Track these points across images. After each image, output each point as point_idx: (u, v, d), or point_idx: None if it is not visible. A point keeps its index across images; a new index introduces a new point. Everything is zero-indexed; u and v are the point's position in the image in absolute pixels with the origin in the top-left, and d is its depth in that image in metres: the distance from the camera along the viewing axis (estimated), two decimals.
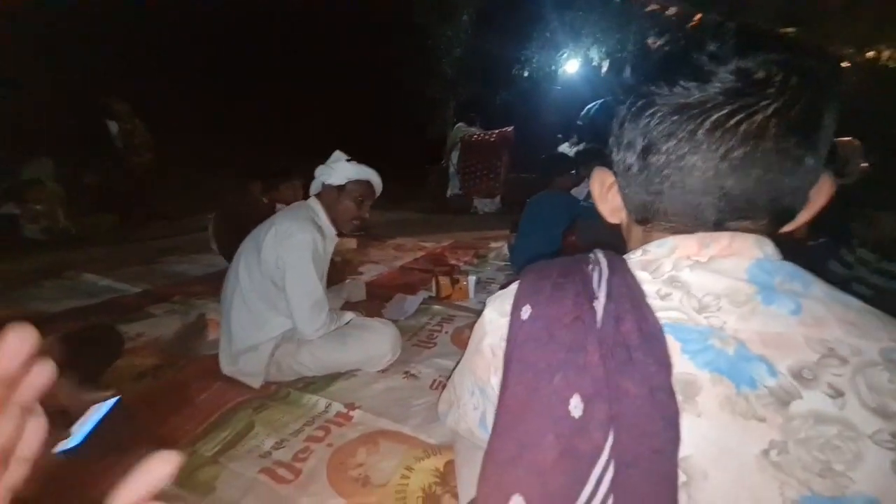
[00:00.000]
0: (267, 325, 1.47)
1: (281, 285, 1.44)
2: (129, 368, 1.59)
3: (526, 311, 0.39)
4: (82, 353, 1.30)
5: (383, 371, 1.59)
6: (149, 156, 4.72)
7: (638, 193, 0.40)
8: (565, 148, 7.60)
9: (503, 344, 0.41)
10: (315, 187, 1.56)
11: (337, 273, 2.47)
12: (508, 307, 0.41)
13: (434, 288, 2.46)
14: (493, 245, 4.07)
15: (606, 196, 0.44)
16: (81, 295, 2.45)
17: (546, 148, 6.67)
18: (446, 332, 1.95)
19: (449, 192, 8.51)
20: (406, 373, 1.58)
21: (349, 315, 1.62)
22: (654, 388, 0.32)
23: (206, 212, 3.67)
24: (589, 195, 2.72)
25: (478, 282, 2.74)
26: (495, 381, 0.43)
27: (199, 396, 1.43)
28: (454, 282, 2.42)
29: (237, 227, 1.75)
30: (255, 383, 1.48)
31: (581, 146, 7.39)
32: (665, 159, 0.37)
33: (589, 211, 2.41)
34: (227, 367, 1.50)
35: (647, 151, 0.38)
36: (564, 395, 0.33)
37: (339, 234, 1.59)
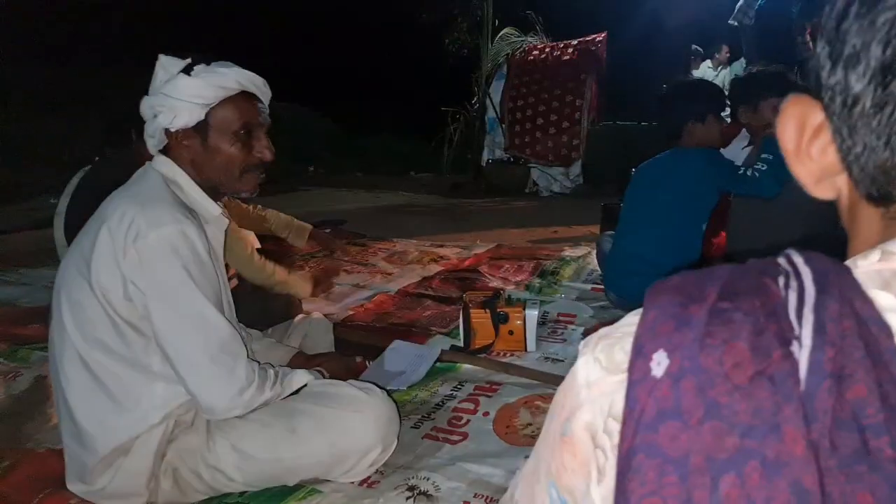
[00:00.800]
0: (140, 405, 1.45)
1: (146, 330, 1.44)
2: None
3: (660, 362, 0.39)
4: None
5: (368, 483, 1.62)
6: None
7: (872, 148, 0.40)
8: (706, 71, 7.59)
9: (616, 424, 0.41)
10: (154, 140, 1.52)
11: (279, 303, 2.52)
12: (624, 355, 0.42)
13: (462, 330, 2.48)
14: (570, 252, 4.11)
15: (810, 148, 0.44)
16: None
17: (669, 72, 6.66)
18: (485, 414, 1.97)
19: (486, 157, 8.59)
20: (412, 489, 1.60)
21: (303, 377, 1.63)
22: None
23: (54, 192, 3.81)
24: (752, 157, 2.70)
25: (542, 320, 2.73)
26: (601, 493, 0.43)
27: None
28: (499, 319, 2.43)
29: None
30: None
31: (739, 67, 7.32)
32: None
33: (755, 184, 2.38)
34: (76, 485, 1.52)
35: (889, 72, 0.38)
36: None
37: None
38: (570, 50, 7.77)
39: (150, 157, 2.88)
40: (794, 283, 0.40)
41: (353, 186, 8.34)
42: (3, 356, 2.41)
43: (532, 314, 2.45)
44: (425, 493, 1.58)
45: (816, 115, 0.44)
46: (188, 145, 1.50)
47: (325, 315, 2.55)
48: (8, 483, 1.65)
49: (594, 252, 3.57)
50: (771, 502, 0.33)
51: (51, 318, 1.52)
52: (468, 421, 1.93)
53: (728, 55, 7.53)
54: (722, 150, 2.83)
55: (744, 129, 3.06)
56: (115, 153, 3.00)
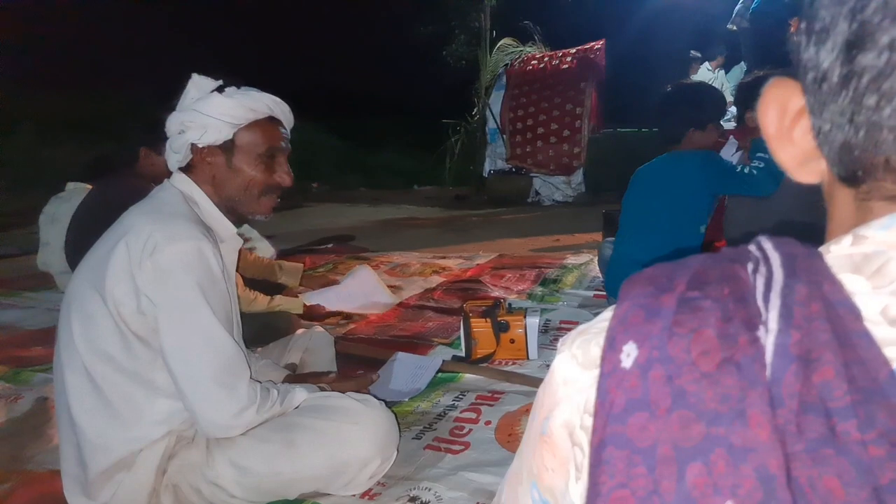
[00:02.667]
0: (142, 420, 1.46)
1: (155, 344, 1.45)
2: None
3: (630, 353, 0.39)
4: None
5: (369, 495, 1.62)
6: None
7: (837, 125, 0.41)
8: (705, 73, 7.60)
9: (591, 419, 0.41)
10: (178, 156, 1.56)
11: (279, 319, 2.52)
12: (598, 350, 0.42)
13: (462, 340, 2.48)
14: (572, 260, 4.11)
15: (791, 131, 0.45)
16: None
17: (667, 78, 6.67)
18: (487, 423, 1.97)
19: (488, 168, 8.62)
20: (413, 500, 1.60)
21: (300, 393, 1.63)
22: (882, 490, 0.31)
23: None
24: (742, 161, 2.71)
25: (545, 328, 2.73)
26: (579, 490, 0.43)
27: None
28: (500, 328, 2.43)
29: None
30: None
31: (739, 71, 7.30)
32: (888, 61, 0.37)
33: (753, 182, 2.38)
34: (78, 499, 1.52)
35: (854, 46, 0.38)
36: None
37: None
38: (568, 59, 7.80)
39: (155, 175, 2.91)
40: (762, 269, 0.40)
41: (356, 201, 8.39)
42: (4, 379, 2.43)
43: (533, 322, 2.44)
44: None
45: (798, 99, 0.44)
46: (212, 162, 1.54)
47: (325, 328, 2.56)
48: None
49: (596, 259, 3.57)
50: (737, 489, 0.33)
51: (58, 330, 1.53)
52: (470, 430, 1.93)
53: (723, 60, 7.59)
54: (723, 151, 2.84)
55: (731, 136, 3.09)
56: (113, 178, 3.04)
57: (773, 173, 2.31)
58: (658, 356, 0.38)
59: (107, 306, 1.42)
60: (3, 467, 1.82)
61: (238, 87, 1.55)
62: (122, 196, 2.67)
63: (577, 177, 7.51)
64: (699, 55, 7.72)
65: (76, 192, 3.61)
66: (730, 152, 3.05)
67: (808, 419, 0.33)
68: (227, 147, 1.54)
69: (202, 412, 1.44)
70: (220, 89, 1.53)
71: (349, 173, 11.47)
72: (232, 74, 1.63)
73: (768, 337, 0.36)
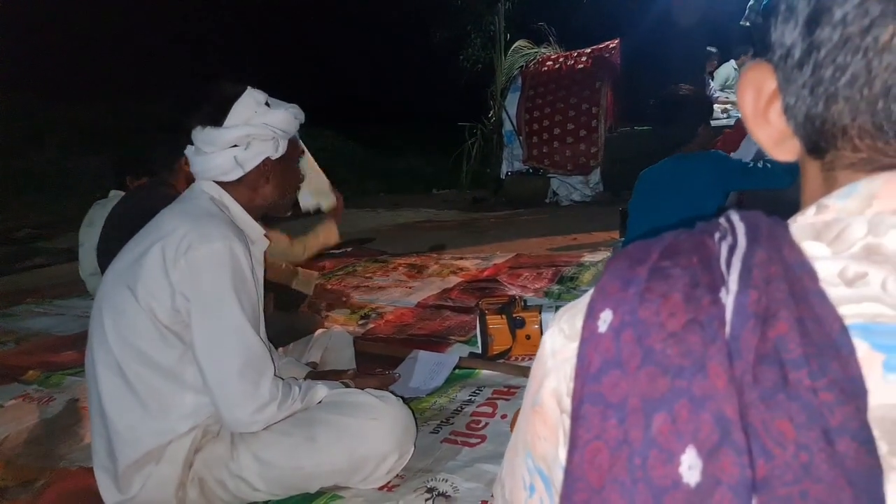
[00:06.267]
0: (169, 414, 1.51)
1: (188, 339, 1.50)
2: None
3: (606, 319, 0.41)
4: None
5: (387, 488, 1.64)
6: None
7: (801, 98, 0.43)
8: (731, 72, 7.50)
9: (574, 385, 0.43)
10: (224, 165, 1.58)
11: (302, 320, 2.56)
12: (580, 321, 0.44)
13: (479, 337, 2.49)
14: (589, 258, 4.09)
15: (767, 112, 0.46)
16: None
17: (683, 74, 6.62)
18: (503, 417, 1.98)
19: (504, 170, 8.58)
20: (431, 491, 1.63)
21: (321, 390, 1.67)
22: (831, 431, 0.33)
23: (78, 224, 3.93)
24: (760, 153, 2.69)
25: None
26: (566, 454, 0.43)
27: None
28: (516, 325, 2.44)
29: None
30: None
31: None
32: (841, 35, 0.39)
33: (769, 175, 2.35)
34: (111, 496, 1.56)
35: (813, 21, 0.40)
36: (671, 449, 0.35)
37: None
38: (583, 58, 7.77)
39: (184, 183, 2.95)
40: (728, 238, 0.41)
41: (376, 206, 8.43)
42: (37, 382, 2.49)
43: (549, 318, 2.44)
44: (444, 495, 1.60)
45: (771, 81, 0.46)
46: (269, 172, 1.63)
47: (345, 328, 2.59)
48: (42, 502, 1.71)
49: (612, 257, 3.56)
50: (697, 434, 0.35)
51: (90, 330, 1.59)
52: (486, 424, 1.95)
53: (743, 51, 7.52)
54: (737, 149, 2.82)
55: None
56: (145, 185, 3.12)
57: (790, 165, 2.28)
58: (630, 320, 0.40)
59: (139, 304, 1.47)
60: (37, 465, 1.88)
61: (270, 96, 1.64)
62: (157, 202, 2.73)
63: (595, 176, 7.46)
64: (715, 51, 7.64)
65: (115, 199, 3.69)
66: (751, 145, 3.04)
67: (763, 370, 0.35)
68: (282, 157, 1.64)
69: (225, 406, 1.48)
70: (267, 102, 1.61)
71: (369, 179, 11.52)
72: (251, 85, 1.68)
73: (728, 297, 0.38)
